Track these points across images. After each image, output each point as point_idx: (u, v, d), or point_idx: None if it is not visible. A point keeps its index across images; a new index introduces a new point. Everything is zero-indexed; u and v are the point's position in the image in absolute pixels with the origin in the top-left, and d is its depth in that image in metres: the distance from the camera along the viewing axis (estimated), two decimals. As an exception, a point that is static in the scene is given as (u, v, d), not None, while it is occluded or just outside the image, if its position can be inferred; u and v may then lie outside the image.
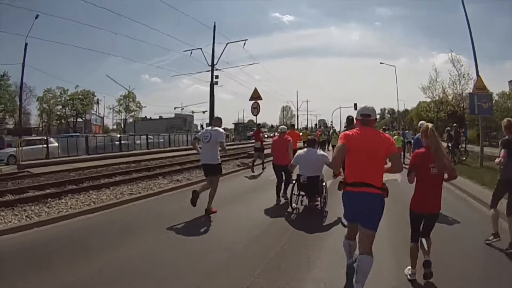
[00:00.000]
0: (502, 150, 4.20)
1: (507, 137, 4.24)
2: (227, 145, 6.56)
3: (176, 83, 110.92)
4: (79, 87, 45.87)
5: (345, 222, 3.42)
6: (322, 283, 3.24)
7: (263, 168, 11.88)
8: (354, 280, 2.89)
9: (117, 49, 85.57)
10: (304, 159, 5.95)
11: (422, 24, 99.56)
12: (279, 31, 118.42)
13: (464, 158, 14.24)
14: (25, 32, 29.69)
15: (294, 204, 6.11)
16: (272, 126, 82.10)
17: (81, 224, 5.46)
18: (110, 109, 52.32)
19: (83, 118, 47.68)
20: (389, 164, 3.05)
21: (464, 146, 15.84)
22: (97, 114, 50.71)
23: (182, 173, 11.21)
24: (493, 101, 19.84)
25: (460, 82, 20.71)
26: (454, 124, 15.63)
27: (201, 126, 52.15)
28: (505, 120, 4.33)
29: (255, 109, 17.04)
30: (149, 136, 26.02)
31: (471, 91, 15.57)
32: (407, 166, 3.28)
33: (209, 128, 6.05)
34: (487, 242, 4.27)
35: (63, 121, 46.81)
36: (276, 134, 9.87)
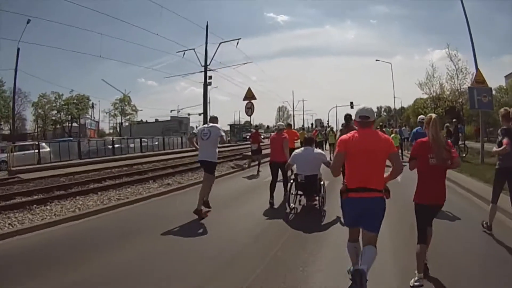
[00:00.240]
0: (505, 139, 4.08)
1: (505, 126, 4.22)
2: (222, 147, 6.51)
3: (173, 86, 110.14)
4: (74, 91, 45.90)
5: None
6: (321, 283, 3.19)
7: (259, 171, 11.72)
8: (359, 263, 2.78)
9: (112, 53, 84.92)
10: (302, 158, 5.87)
11: (417, 21, 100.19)
12: (275, 31, 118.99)
13: (464, 155, 14.04)
14: (17, 37, 29.21)
15: (292, 204, 6.03)
16: (268, 126, 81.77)
17: (65, 231, 5.25)
18: (106, 113, 52.19)
19: (78, 123, 47.30)
20: (389, 171, 2.95)
21: (463, 142, 15.70)
22: (92, 118, 50.36)
23: (174, 176, 10.97)
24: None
25: (458, 76, 20.48)
26: (454, 120, 15.50)
27: (196, 128, 51.87)
28: (502, 109, 4.35)
29: (249, 109, 16.76)
30: (143, 139, 25.77)
31: (469, 85, 15.31)
32: (405, 165, 3.10)
33: (207, 125, 6.14)
34: (482, 226, 4.51)
35: (58, 126, 46.66)
36: (271, 134, 9.65)
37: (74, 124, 47.35)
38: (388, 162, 2.89)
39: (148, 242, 4.53)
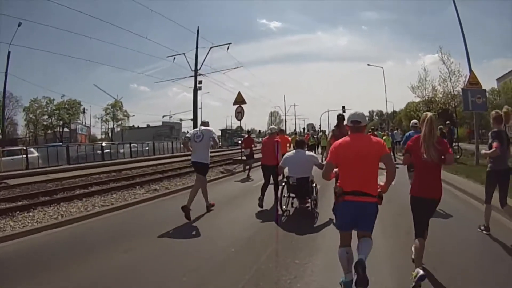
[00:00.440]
0: (495, 142, 4.07)
1: (496, 129, 4.25)
2: (213, 151, 6.47)
3: (165, 91, 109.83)
4: (65, 96, 45.43)
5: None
6: (314, 285, 3.15)
7: (249, 175, 11.64)
8: (358, 253, 2.77)
9: (105, 58, 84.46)
10: (293, 160, 5.80)
11: (407, 27, 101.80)
12: (268, 37, 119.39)
13: (458, 157, 14.08)
14: (8, 40, 28.62)
15: (284, 207, 5.95)
16: (259, 131, 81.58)
17: (46, 239, 5.02)
18: (98, 118, 51.70)
19: (69, 128, 46.74)
20: (383, 174, 2.91)
21: (456, 144, 15.74)
22: (83, 123, 49.77)
23: (162, 182, 10.73)
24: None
25: (450, 79, 20.52)
26: (448, 122, 15.50)
27: (189, 132, 51.64)
28: (493, 112, 4.41)
29: (239, 114, 16.53)
30: (133, 145, 25.44)
31: (463, 87, 15.30)
32: (397, 167, 3.01)
33: (200, 128, 6.29)
34: (478, 230, 4.52)
35: (49, 131, 45.92)
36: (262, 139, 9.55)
37: (65, 129, 46.70)
38: (381, 165, 2.85)
39: (134, 249, 4.34)
